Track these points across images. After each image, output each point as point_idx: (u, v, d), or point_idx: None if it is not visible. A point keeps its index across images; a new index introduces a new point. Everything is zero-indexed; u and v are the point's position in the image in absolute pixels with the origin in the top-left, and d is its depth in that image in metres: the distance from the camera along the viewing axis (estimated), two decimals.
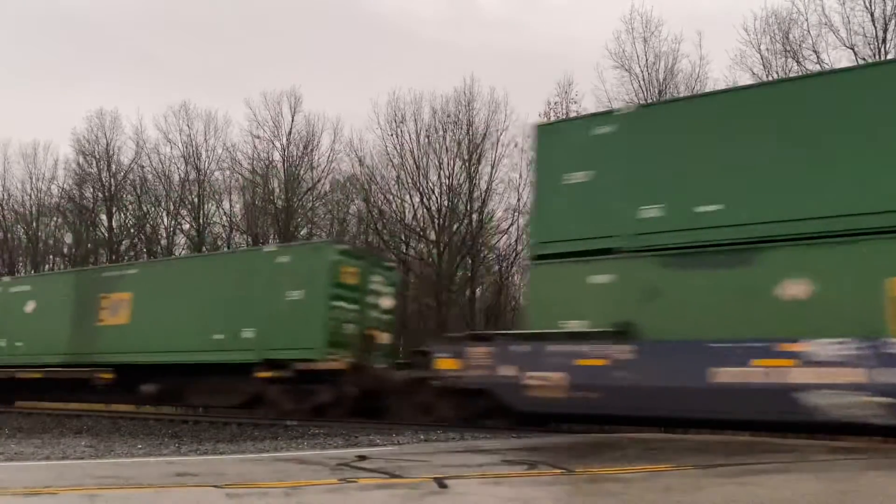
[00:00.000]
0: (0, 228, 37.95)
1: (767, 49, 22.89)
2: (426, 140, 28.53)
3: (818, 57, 21.88)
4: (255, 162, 32.34)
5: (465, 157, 28.02)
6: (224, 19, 62.30)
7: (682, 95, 22.72)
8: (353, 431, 10.18)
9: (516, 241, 28.03)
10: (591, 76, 43.38)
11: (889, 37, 20.91)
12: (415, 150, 28.50)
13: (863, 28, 21.14)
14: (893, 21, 20.89)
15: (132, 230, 35.63)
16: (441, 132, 28.50)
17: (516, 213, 27.09)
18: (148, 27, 60.87)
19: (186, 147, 33.61)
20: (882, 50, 20.88)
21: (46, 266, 35.97)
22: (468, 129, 28.18)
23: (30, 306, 17.80)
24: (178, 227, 34.47)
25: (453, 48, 52.66)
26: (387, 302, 14.47)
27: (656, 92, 24.57)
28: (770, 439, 8.22)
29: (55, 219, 37.33)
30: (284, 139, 32.07)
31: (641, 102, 22.33)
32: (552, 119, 23.86)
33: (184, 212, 34.10)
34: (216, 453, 7.60)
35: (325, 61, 54.93)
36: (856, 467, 5.47)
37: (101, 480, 4.61)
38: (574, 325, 9.84)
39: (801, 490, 4.44)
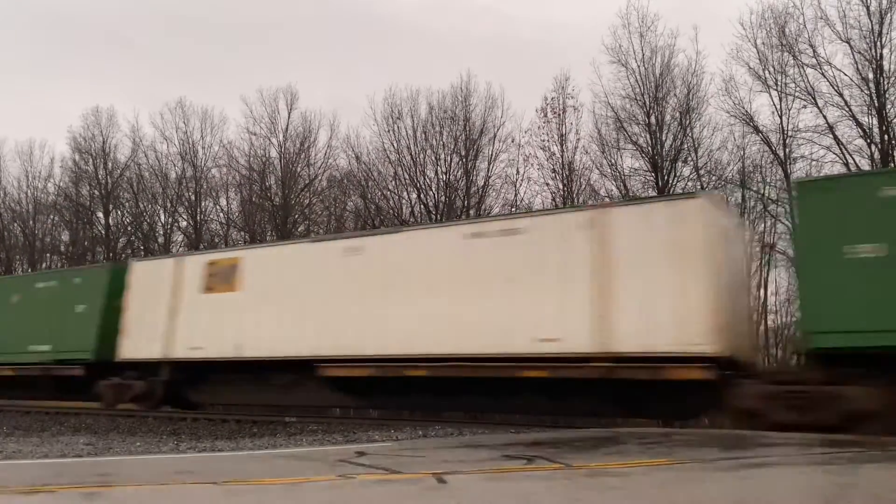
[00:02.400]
0: None
1: (763, 43, 22.90)
2: (423, 136, 28.49)
3: (814, 51, 21.89)
4: (251, 159, 32.30)
5: (462, 154, 27.97)
6: (218, 16, 62.18)
7: None
8: (351, 428, 10.20)
9: None
10: (588, 70, 43.47)
11: (885, 30, 20.92)
12: (412, 147, 28.43)
13: (859, 22, 21.13)
14: (889, 14, 20.90)
15: (129, 228, 35.55)
16: (438, 128, 28.48)
17: (513, 209, 27.04)
18: (143, 25, 60.74)
19: (183, 144, 33.63)
20: (878, 44, 20.89)
21: (43, 265, 35.87)
22: (465, 125, 28.11)
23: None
24: (176, 224, 34.46)
25: (448, 40, 52.61)
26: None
27: (653, 87, 24.53)
28: (766, 434, 8.23)
29: (52, 217, 37.24)
30: (281, 136, 32.05)
31: None
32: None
33: (181, 209, 34.06)
34: (215, 451, 7.62)
35: (319, 56, 54.90)
36: (854, 461, 5.48)
37: (100, 479, 4.60)
38: None
39: (800, 483, 4.44)
